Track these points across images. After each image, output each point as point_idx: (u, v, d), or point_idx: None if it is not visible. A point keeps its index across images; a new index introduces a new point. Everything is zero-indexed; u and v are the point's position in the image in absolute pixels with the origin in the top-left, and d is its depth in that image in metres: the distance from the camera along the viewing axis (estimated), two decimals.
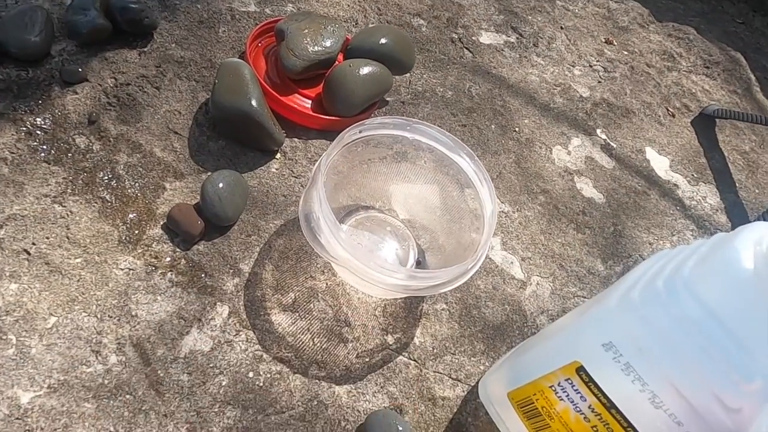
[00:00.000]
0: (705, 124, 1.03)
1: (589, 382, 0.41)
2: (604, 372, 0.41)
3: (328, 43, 0.74)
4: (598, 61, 1.07)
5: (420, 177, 0.70)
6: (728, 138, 1.03)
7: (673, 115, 1.03)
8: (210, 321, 0.57)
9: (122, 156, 0.64)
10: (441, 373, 0.61)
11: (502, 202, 0.79)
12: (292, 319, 0.59)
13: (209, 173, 0.66)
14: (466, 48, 0.98)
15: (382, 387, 0.59)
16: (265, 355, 0.56)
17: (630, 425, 0.39)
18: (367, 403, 0.57)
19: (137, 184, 0.63)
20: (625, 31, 1.16)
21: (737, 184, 0.97)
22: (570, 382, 0.43)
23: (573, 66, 1.04)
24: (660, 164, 0.94)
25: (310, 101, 0.76)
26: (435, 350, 0.63)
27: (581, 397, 0.42)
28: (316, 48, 0.73)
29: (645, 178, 0.92)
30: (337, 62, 0.78)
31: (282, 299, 0.60)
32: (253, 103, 0.65)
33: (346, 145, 0.61)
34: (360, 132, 0.61)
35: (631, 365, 0.38)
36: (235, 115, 0.65)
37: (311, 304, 0.61)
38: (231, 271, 0.61)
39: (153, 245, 0.60)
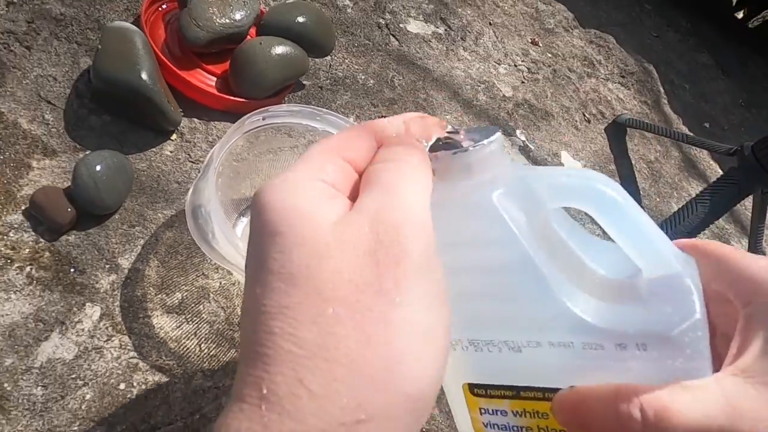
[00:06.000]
0: (617, 131, 1.07)
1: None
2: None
3: (237, 16, 0.67)
4: (523, 61, 1.07)
5: None
6: (636, 147, 1.08)
7: (589, 121, 1.06)
8: (76, 324, 0.50)
9: None
10: None
11: None
12: (176, 323, 0.53)
13: (87, 152, 0.58)
14: (393, 35, 0.94)
15: None
16: (141, 364, 0.50)
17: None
18: None
19: None
20: (551, 33, 1.17)
21: (641, 192, 1.02)
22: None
23: (499, 64, 1.03)
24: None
25: (215, 79, 0.69)
26: None
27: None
28: (223, 20, 0.66)
29: None
30: (248, 38, 0.71)
31: (166, 299, 0.54)
32: (144, 76, 0.57)
33: (247, 133, 0.55)
34: (263, 119, 0.55)
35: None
36: (120, 88, 0.57)
37: (201, 306, 0.55)
38: (107, 266, 0.53)
39: (10, 234, 0.51)
